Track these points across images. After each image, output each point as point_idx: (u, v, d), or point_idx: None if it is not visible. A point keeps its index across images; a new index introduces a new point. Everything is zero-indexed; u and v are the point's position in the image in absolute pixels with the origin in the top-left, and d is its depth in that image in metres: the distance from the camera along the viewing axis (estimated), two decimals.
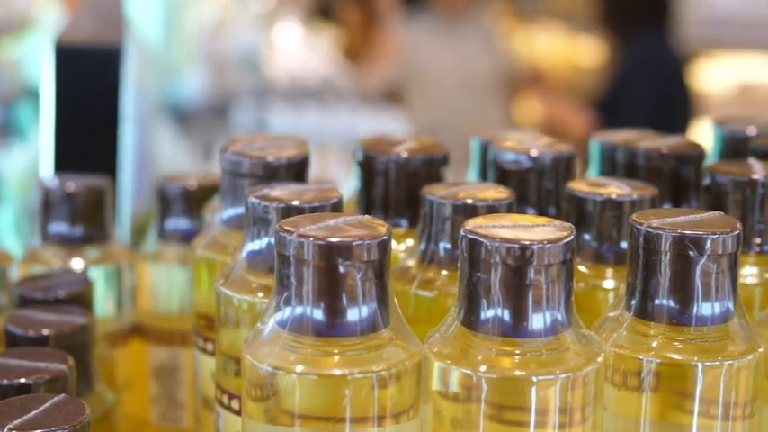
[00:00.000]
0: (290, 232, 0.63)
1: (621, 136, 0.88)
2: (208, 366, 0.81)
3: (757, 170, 0.77)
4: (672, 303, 0.65)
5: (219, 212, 0.82)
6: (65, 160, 1.18)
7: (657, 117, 3.40)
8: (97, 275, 0.95)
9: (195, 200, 0.98)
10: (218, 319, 0.75)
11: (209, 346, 0.81)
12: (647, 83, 3.50)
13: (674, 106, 3.57)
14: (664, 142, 0.86)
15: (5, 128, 2.25)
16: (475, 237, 0.62)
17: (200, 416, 0.84)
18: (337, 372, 0.62)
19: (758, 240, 0.76)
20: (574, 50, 5.05)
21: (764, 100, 4.70)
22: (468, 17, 3.81)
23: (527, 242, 0.61)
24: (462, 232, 0.63)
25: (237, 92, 3.20)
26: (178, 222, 0.99)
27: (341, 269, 0.62)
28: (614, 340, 0.66)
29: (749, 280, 0.76)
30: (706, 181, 0.79)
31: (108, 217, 0.98)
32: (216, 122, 2.90)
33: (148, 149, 2.13)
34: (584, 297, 0.75)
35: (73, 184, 0.96)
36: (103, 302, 0.96)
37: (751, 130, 0.90)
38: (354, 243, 0.62)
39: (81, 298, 0.89)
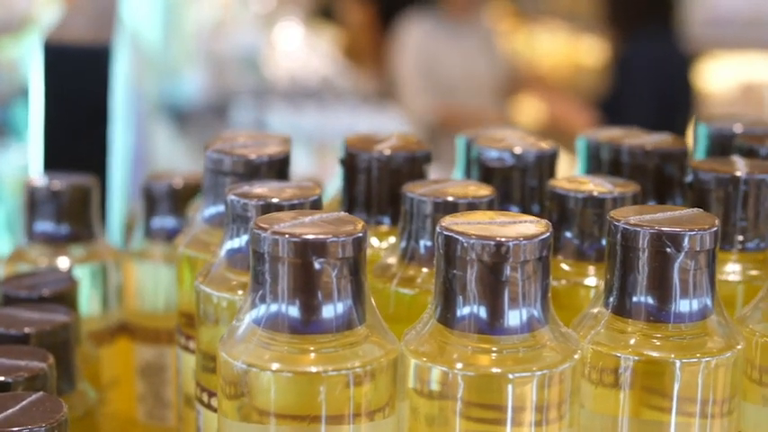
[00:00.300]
0: (265, 229, 0.62)
1: (607, 134, 0.88)
2: (190, 364, 0.80)
3: (740, 167, 0.77)
4: (650, 300, 0.65)
5: (201, 210, 0.82)
6: (54, 159, 1.18)
7: (660, 116, 3.40)
8: (83, 274, 0.94)
9: (181, 198, 0.98)
10: (198, 317, 0.75)
11: (192, 344, 0.80)
12: (650, 82, 3.50)
13: (677, 106, 3.57)
14: (648, 140, 0.85)
15: (2, 128, 2.25)
16: (450, 233, 0.62)
17: (182, 414, 0.83)
18: (312, 369, 0.61)
19: (741, 237, 0.76)
20: (576, 50, 5.05)
21: (767, 99, 4.69)
22: (470, 18, 3.81)
23: (502, 239, 0.61)
24: (438, 229, 0.63)
25: (237, 91, 3.20)
26: (164, 221, 0.99)
27: (315, 266, 0.61)
28: (592, 337, 0.66)
29: (732, 277, 0.76)
30: (689, 178, 0.78)
31: (94, 215, 0.97)
32: (215, 122, 2.90)
33: (146, 149, 2.13)
34: (565, 294, 0.75)
35: (58, 182, 0.96)
36: (89, 301, 0.96)
37: (737, 128, 0.90)
38: (329, 240, 0.61)
39: (65, 296, 0.88)
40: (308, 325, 0.62)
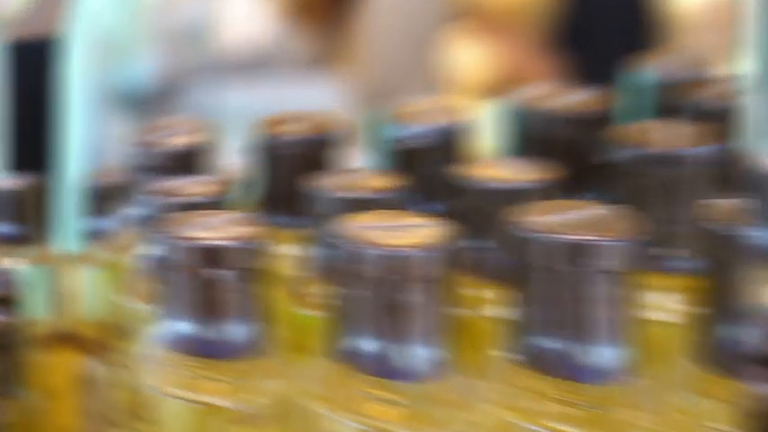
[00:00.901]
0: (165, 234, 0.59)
1: (528, 94, 0.81)
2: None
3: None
4: None
5: (123, 211, 0.81)
6: (4, 158, 1.16)
7: (625, 42, 3.34)
8: (27, 277, 0.94)
9: (117, 197, 0.97)
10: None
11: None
12: (609, 6, 3.44)
13: (643, 28, 3.49)
14: (566, 101, 0.79)
15: None
16: None
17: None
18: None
19: None
20: None
21: (736, 18, 4.63)
22: None
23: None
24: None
25: (190, 70, 3.17)
26: (101, 222, 0.98)
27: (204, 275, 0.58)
28: None
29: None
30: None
31: (40, 217, 0.96)
32: (171, 106, 2.87)
33: (100, 140, 2.11)
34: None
35: None
36: (31, 305, 0.95)
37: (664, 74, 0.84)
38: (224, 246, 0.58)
39: (6, 300, 0.87)
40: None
